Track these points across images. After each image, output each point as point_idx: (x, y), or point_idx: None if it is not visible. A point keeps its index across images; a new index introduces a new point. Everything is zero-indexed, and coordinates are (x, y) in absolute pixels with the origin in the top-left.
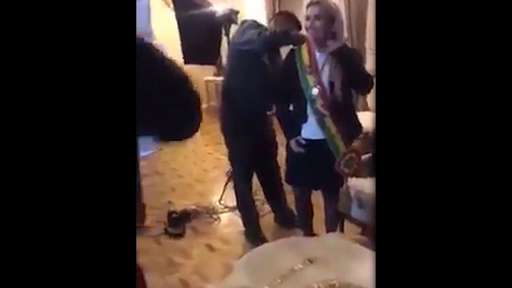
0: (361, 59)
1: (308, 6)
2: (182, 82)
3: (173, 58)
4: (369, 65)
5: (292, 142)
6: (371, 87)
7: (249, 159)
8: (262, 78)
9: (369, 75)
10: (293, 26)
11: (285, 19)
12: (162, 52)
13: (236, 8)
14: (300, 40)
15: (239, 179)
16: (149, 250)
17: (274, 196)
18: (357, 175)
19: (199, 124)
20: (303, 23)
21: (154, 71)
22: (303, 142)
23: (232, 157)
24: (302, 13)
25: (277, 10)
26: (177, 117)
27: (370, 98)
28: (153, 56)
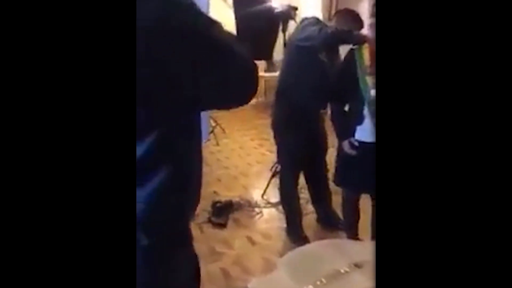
0: None
1: (371, 15)
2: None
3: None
4: None
5: (345, 143)
6: None
7: (298, 157)
8: (319, 76)
9: None
10: (355, 24)
11: (347, 17)
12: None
13: (294, 4)
14: (362, 40)
15: (286, 176)
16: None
17: (320, 196)
18: None
19: (255, 91)
20: (367, 21)
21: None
22: (356, 144)
23: (280, 154)
24: (361, 9)
25: (334, 7)
26: (234, 83)
27: None
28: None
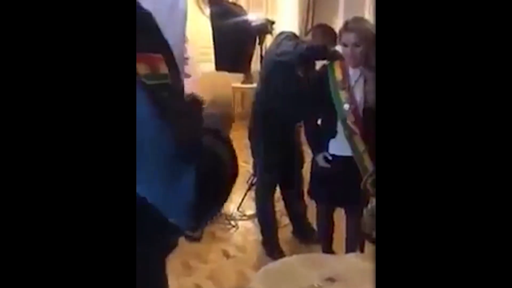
0: None
1: (342, 32)
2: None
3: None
4: None
5: (319, 157)
6: None
7: (274, 170)
8: (295, 90)
9: None
10: (330, 40)
11: (324, 32)
12: None
13: (270, 17)
14: (336, 57)
15: (262, 189)
16: None
17: (295, 209)
18: None
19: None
20: (340, 48)
21: None
22: (330, 157)
23: (257, 166)
24: (336, 25)
25: (310, 22)
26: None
27: None
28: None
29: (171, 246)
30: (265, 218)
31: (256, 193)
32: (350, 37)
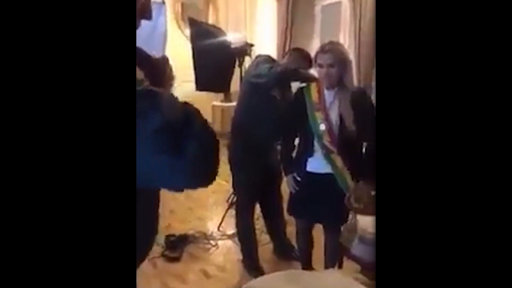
0: (371, 106)
1: (318, 53)
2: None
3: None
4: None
5: (290, 178)
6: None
7: (254, 189)
8: (272, 112)
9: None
10: (306, 63)
11: (299, 56)
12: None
13: (249, 40)
14: (310, 78)
15: (242, 208)
16: (144, 272)
17: (275, 226)
18: (365, 212)
19: (216, 173)
20: (315, 69)
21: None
22: (299, 179)
23: (236, 185)
24: (312, 49)
25: (287, 45)
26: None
27: None
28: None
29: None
30: (246, 236)
31: (236, 212)
32: (325, 58)
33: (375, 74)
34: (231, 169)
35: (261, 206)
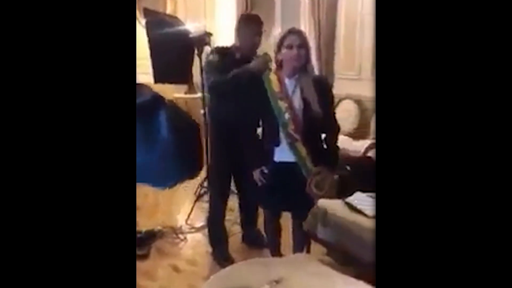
0: (331, 94)
1: (287, 35)
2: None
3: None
4: (337, 89)
5: (256, 173)
6: (337, 131)
7: (226, 178)
8: (240, 103)
9: (335, 120)
10: (257, 30)
11: (249, 24)
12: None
13: (208, 29)
14: (263, 68)
15: (214, 197)
16: None
17: (249, 217)
18: (327, 196)
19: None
20: (282, 52)
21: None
22: (266, 172)
23: (211, 177)
24: (272, 36)
25: None
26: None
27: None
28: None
29: None
30: (216, 228)
31: (209, 205)
32: (294, 39)
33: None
34: (207, 161)
35: (238, 198)
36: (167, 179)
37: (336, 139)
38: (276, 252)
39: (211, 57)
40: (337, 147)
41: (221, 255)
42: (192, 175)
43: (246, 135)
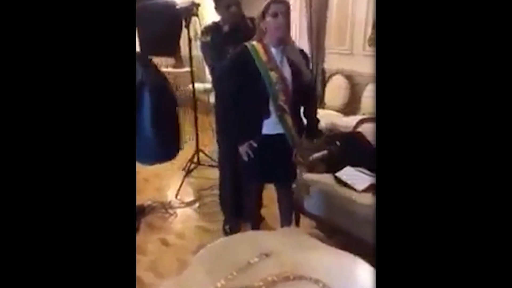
0: (310, 61)
1: (271, 3)
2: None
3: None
4: (328, 64)
5: (244, 148)
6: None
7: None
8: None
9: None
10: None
11: None
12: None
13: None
14: (248, 36)
15: (225, 177)
16: None
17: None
18: (312, 169)
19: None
20: (266, 21)
21: None
22: (255, 145)
23: (221, 155)
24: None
25: None
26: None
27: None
28: None
29: None
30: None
31: (220, 183)
32: (280, 7)
33: (327, 35)
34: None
35: None
36: (147, 157)
37: (316, 111)
38: (257, 225)
39: (203, 38)
40: (317, 119)
41: (234, 226)
42: (169, 157)
43: (233, 107)
